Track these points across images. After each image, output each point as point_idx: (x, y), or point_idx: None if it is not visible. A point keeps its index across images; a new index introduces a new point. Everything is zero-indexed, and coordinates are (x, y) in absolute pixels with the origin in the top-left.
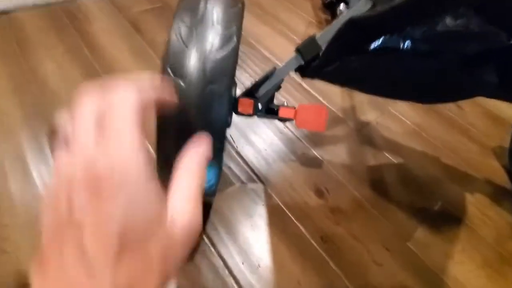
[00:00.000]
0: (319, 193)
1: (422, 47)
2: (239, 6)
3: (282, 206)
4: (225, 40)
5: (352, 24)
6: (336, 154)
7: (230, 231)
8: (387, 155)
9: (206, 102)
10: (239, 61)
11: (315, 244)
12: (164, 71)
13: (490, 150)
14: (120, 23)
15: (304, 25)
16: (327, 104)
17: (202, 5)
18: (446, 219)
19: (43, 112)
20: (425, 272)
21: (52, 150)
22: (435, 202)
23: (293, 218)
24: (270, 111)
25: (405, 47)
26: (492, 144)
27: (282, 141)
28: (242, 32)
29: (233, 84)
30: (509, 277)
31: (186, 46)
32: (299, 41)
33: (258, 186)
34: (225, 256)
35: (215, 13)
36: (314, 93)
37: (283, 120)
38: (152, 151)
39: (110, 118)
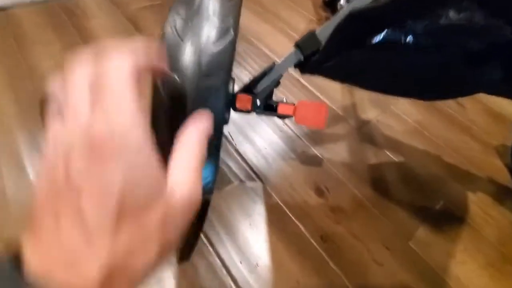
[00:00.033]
0: (319, 192)
1: (424, 41)
2: None
3: (282, 205)
4: (222, 33)
5: (352, 17)
6: (336, 152)
7: (229, 230)
8: (388, 153)
9: (202, 97)
10: (240, 59)
11: (314, 243)
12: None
13: (492, 148)
14: (119, 20)
15: (305, 23)
16: (327, 102)
17: None
18: (448, 218)
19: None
20: (427, 271)
21: (45, 119)
22: (437, 201)
23: (292, 217)
24: (269, 108)
25: (407, 41)
26: (494, 142)
27: (282, 139)
28: (243, 30)
29: (230, 79)
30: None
31: (181, 39)
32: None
33: (257, 185)
34: (223, 255)
35: (211, 6)
36: (314, 90)
37: (282, 117)
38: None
39: (105, 82)
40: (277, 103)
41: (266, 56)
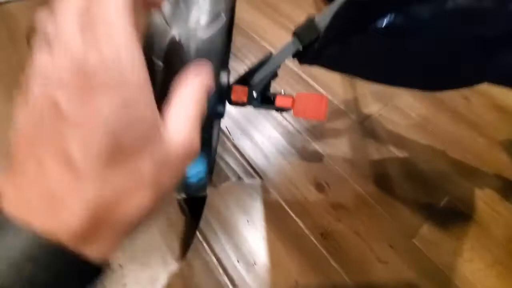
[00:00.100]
0: (320, 188)
1: (430, 26)
2: None
3: (281, 201)
4: (212, 17)
5: (352, 2)
6: (338, 147)
7: (225, 228)
8: (391, 148)
9: None
10: (239, 54)
11: (314, 241)
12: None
13: (498, 143)
14: None
15: (305, 17)
16: (328, 96)
17: None
18: (453, 215)
19: None
20: (432, 270)
21: (31, 51)
22: (442, 198)
23: (291, 214)
24: (266, 100)
25: (412, 26)
26: (500, 137)
27: (281, 134)
28: (242, 24)
29: (223, 68)
30: None
31: (169, 26)
32: None
33: (255, 181)
34: (220, 254)
35: None
36: (314, 84)
37: (280, 110)
38: None
39: (97, 10)
40: (274, 95)
41: (266, 51)
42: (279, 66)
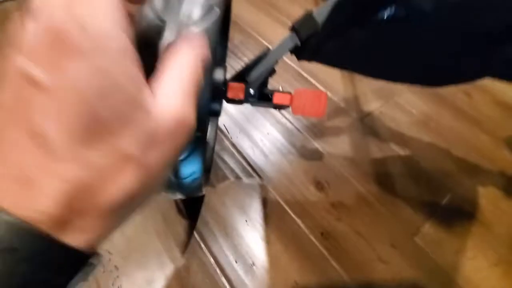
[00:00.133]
0: (320, 187)
1: (434, 18)
2: None
3: (280, 201)
4: (205, 10)
5: None
6: (338, 146)
7: (223, 228)
8: (392, 146)
9: None
10: (237, 51)
11: (314, 241)
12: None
13: (502, 140)
14: None
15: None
16: (328, 93)
17: None
18: (456, 213)
19: None
20: (435, 269)
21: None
22: (444, 196)
23: (291, 213)
24: (264, 97)
25: (414, 18)
26: (504, 134)
27: (280, 132)
28: (240, 21)
29: (219, 64)
30: None
31: (161, 20)
32: None
33: (254, 180)
34: (217, 254)
35: None
36: (314, 81)
37: (278, 107)
38: None
39: None
40: (272, 92)
41: (264, 48)
42: (276, 62)
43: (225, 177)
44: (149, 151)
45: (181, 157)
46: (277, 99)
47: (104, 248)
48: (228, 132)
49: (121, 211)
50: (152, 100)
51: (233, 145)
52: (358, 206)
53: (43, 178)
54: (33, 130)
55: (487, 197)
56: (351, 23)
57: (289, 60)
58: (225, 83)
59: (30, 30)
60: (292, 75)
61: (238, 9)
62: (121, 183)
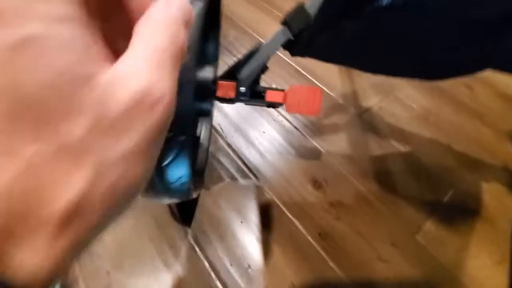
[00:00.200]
0: (317, 185)
1: (431, 8)
2: None
3: (277, 201)
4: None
5: None
6: (337, 143)
7: (218, 230)
8: (392, 143)
9: None
10: (231, 48)
11: (312, 241)
12: None
13: (504, 133)
14: None
15: None
16: (325, 90)
17: None
18: (459, 210)
19: None
20: (437, 268)
21: None
22: (446, 192)
23: (288, 214)
24: (256, 95)
25: (411, 7)
26: (506, 127)
27: (277, 130)
28: (234, 17)
29: (208, 62)
30: None
31: None
32: None
33: (250, 180)
34: (212, 258)
35: None
36: (311, 77)
37: (271, 105)
38: None
39: None
40: (265, 89)
41: None
42: (269, 58)
43: (220, 178)
44: (101, 140)
45: (165, 162)
46: (270, 96)
47: (95, 253)
48: (222, 131)
49: (75, 222)
50: (106, 75)
51: (228, 144)
52: (358, 205)
53: None
54: None
55: (490, 192)
56: (343, 14)
57: (284, 56)
58: (214, 81)
59: None
60: (288, 72)
61: (232, 5)
62: (66, 186)
